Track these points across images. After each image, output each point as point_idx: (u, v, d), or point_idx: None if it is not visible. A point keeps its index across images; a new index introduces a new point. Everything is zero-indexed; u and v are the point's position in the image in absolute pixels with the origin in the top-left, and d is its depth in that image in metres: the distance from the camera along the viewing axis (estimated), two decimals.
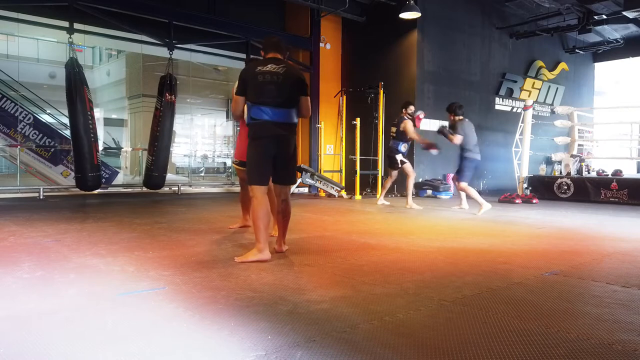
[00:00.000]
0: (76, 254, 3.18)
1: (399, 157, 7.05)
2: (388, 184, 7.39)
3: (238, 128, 4.84)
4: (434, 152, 6.97)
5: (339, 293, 2.34)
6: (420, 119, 7.15)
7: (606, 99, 17.07)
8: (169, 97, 8.05)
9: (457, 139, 6.31)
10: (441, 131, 6.62)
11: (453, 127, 6.48)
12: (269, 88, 3.04)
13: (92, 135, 7.28)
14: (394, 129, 7.11)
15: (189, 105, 14.09)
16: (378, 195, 7.88)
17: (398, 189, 9.07)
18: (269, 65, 3.08)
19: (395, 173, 7.23)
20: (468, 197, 6.65)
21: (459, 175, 6.47)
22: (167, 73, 8.13)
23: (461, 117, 6.49)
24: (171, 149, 8.87)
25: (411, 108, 7.07)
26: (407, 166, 7.11)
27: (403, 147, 7.07)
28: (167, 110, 8.07)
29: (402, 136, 6.99)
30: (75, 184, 7.51)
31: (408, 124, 6.91)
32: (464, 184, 6.42)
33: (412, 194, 7.15)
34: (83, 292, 2.30)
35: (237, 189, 10.72)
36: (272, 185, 3.33)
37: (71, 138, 7.39)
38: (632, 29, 11.84)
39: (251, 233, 4.26)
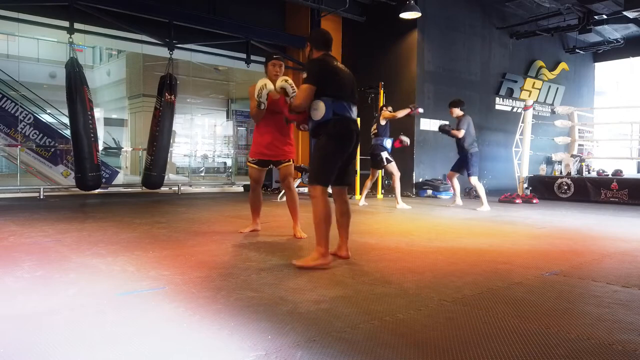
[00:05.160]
0: (76, 254, 3.18)
1: (385, 154, 6.94)
2: (369, 184, 7.33)
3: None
4: (420, 111, 7.11)
5: (339, 293, 2.34)
6: (417, 111, 7.07)
7: (606, 99, 17.07)
8: (169, 97, 8.05)
9: (462, 132, 6.73)
10: (443, 128, 6.99)
11: (457, 124, 6.86)
12: (349, 86, 3.04)
13: (92, 135, 7.25)
14: (374, 127, 7.08)
15: (189, 105, 14.11)
16: (357, 197, 7.76)
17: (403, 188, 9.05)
18: (340, 64, 3.07)
19: (377, 172, 7.25)
20: (473, 194, 6.91)
21: (469, 171, 6.81)
22: (167, 73, 8.13)
23: (463, 113, 6.88)
24: (171, 148, 8.87)
25: (390, 108, 7.16)
26: (392, 165, 6.99)
27: (388, 143, 6.99)
28: (166, 110, 8.07)
29: (384, 131, 6.98)
30: (76, 184, 7.48)
31: (385, 112, 6.97)
32: (475, 179, 6.82)
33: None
34: (83, 292, 2.30)
35: (238, 189, 10.75)
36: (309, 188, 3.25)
37: (71, 138, 7.37)
38: (632, 29, 11.83)
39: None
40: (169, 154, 8.57)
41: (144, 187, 8.53)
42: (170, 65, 8.18)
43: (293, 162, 4.07)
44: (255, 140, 4.00)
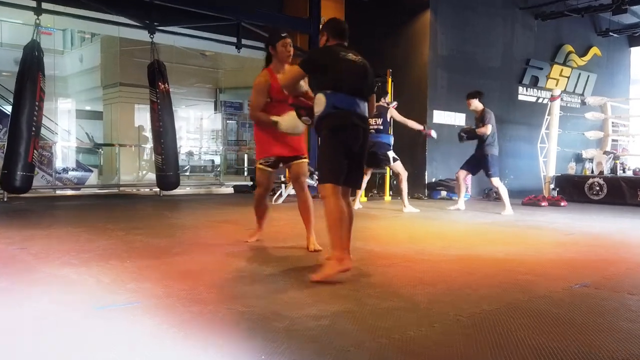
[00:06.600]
0: (45, 263, 3.18)
1: (391, 153, 6.94)
2: (363, 185, 7.32)
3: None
4: (433, 135, 7.22)
5: (342, 307, 2.34)
6: (429, 133, 7.22)
7: None
8: (163, 87, 8.09)
9: (489, 128, 6.64)
10: (466, 134, 6.88)
11: (479, 119, 6.79)
12: (357, 79, 3.09)
13: (33, 129, 7.04)
14: (378, 121, 6.93)
15: (172, 95, 14.08)
16: (362, 198, 7.73)
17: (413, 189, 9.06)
18: (350, 54, 3.11)
19: (370, 172, 7.20)
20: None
21: (490, 171, 6.74)
22: (154, 59, 8.14)
23: (482, 107, 6.82)
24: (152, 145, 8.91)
25: (388, 98, 7.16)
26: (398, 164, 6.98)
27: (392, 140, 7.05)
28: (164, 101, 8.14)
29: (388, 128, 7.00)
30: None
31: (395, 112, 6.99)
32: (497, 180, 6.78)
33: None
34: (53, 307, 2.30)
35: (227, 190, 10.77)
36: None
37: (8, 127, 7.15)
38: None
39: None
40: (177, 149, 8.75)
41: (158, 189, 8.71)
42: (154, 51, 8.19)
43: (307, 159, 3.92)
44: (261, 139, 3.82)
